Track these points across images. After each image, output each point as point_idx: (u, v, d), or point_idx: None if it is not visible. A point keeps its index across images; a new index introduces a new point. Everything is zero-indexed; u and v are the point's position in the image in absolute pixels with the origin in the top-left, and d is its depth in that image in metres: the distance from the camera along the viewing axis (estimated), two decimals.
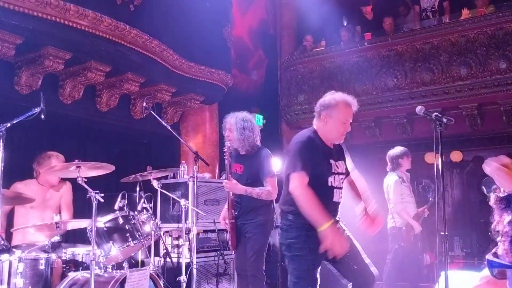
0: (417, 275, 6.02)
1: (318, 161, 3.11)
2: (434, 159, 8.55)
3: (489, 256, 1.36)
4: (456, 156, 8.43)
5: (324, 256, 3.10)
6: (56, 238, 3.88)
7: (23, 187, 4.28)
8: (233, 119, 4.28)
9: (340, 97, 3.27)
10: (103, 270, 3.83)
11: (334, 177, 3.21)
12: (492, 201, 5.20)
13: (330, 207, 3.14)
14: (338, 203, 3.26)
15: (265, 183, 4.11)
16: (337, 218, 3.25)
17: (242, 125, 4.20)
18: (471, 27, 7.48)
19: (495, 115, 7.58)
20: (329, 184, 3.18)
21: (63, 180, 4.55)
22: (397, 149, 5.79)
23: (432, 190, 6.63)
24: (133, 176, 4.45)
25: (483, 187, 8.55)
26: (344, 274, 3.26)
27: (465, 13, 7.82)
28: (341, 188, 3.28)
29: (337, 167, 3.25)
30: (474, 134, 7.95)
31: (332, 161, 3.21)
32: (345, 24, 9.51)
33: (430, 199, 6.31)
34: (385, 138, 8.27)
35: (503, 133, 7.89)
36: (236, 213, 4.19)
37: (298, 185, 3.00)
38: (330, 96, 3.29)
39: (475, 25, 7.46)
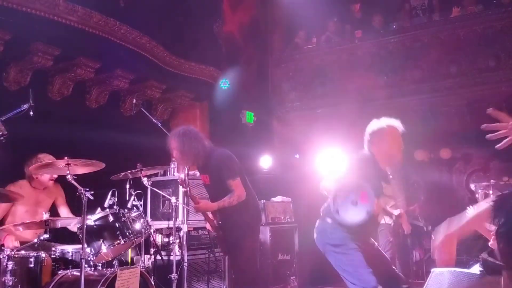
0: (407, 271, 6.07)
1: None
2: (423, 156, 8.64)
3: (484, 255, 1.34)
4: (445, 153, 8.49)
5: None
6: (45, 236, 3.85)
7: (17, 189, 4.22)
8: (172, 140, 4.06)
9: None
10: (93, 268, 3.80)
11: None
12: (481, 198, 5.25)
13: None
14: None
15: (230, 188, 3.93)
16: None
17: (182, 140, 3.98)
18: (461, 25, 7.52)
19: (484, 113, 7.63)
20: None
21: (55, 183, 4.52)
22: None
23: (422, 188, 6.69)
24: (123, 173, 4.42)
25: (472, 184, 8.63)
26: None
27: (455, 11, 7.86)
28: None
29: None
30: (463, 131, 8.00)
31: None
32: (335, 20, 9.51)
33: (421, 198, 6.36)
34: None
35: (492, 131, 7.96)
36: (220, 222, 4.10)
37: None
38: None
39: (464, 23, 7.50)
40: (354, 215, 3.10)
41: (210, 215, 4.12)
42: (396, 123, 3.55)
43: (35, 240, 3.84)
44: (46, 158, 4.29)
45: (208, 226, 4.25)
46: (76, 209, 4.37)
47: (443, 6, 8.35)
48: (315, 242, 3.49)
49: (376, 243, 3.51)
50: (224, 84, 7.11)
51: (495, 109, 1.90)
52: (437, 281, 3.81)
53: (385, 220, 5.66)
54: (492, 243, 1.96)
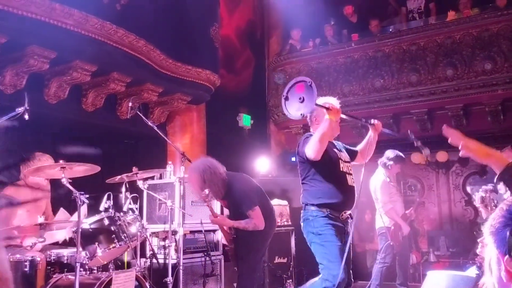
0: (406, 274, 6.07)
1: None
2: (419, 159, 8.67)
3: None
4: (441, 156, 8.50)
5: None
6: (41, 240, 3.84)
7: (15, 191, 4.22)
8: (192, 177, 4.04)
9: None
10: (88, 272, 3.79)
11: (342, 164, 3.61)
12: (477, 201, 5.25)
13: (348, 191, 3.56)
14: (353, 187, 3.64)
15: (249, 217, 3.94)
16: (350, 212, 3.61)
17: (202, 177, 3.95)
18: (457, 29, 7.55)
19: (480, 116, 7.66)
20: (341, 169, 3.59)
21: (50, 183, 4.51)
22: (394, 153, 5.81)
23: (418, 191, 6.71)
24: (119, 176, 4.41)
25: (468, 187, 8.64)
26: None
27: (451, 14, 7.89)
28: (351, 174, 3.69)
29: (341, 155, 3.68)
30: None
31: (335, 150, 3.67)
32: (332, 23, 9.55)
33: (417, 199, 6.36)
34: None
35: (488, 134, 7.96)
36: (234, 235, 4.14)
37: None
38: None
39: (461, 27, 7.53)
40: (305, 106, 3.36)
41: (226, 228, 4.19)
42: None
43: (30, 244, 3.83)
44: (43, 157, 4.27)
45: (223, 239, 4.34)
46: (72, 212, 4.36)
47: (439, 9, 8.39)
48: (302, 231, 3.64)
49: (350, 235, 3.60)
50: None
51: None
52: (434, 283, 3.80)
53: (385, 223, 5.67)
54: (480, 250, 1.98)
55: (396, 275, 5.92)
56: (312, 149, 3.40)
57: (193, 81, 6.45)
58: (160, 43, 5.74)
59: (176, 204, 4.92)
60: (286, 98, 3.46)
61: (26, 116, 3.53)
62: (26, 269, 3.60)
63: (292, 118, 3.54)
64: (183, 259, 4.76)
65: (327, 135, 3.42)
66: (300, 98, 3.38)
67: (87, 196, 3.48)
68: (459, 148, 2.16)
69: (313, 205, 3.51)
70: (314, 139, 3.41)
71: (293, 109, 3.43)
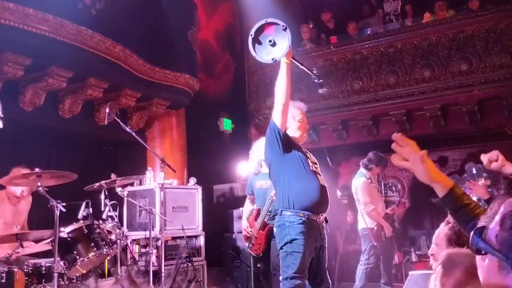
0: (391, 274, 6.10)
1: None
2: (400, 159, 8.71)
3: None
4: None
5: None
6: (19, 250, 3.76)
7: None
8: None
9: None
10: (67, 282, 3.72)
11: (311, 164, 3.52)
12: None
13: (321, 190, 3.46)
14: (325, 187, 3.53)
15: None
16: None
17: None
18: (433, 30, 7.64)
19: (457, 116, 7.76)
20: (311, 169, 3.48)
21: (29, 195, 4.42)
22: (376, 155, 5.85)
23: (398, 190, 6.76)
24: (98, 184, 4.34)
25: None
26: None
27: (427, 16, 7.99)
28: (320, 174, 3.59)
29: (308, 156, 3.60)
30: (438, 134, 8.11)
31: (303, 151, 3.58)
32: (311, 26, 9.58)
33: (397, 198, 6.43)
34: (352, 141, 8.36)
35: (466, 133, 8.08)
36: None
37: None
38: None
39: (436, 28, 7.63)
40: (277, 51, 3.23)
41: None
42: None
43: (7, 255, 3.74)
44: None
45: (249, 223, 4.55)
46: (50, 222, 4.28)
47: (416, 11, 8.49)
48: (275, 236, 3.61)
49: (325, 239, 3.62)
50: None
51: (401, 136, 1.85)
52: (415, 283, 3.82)
53: (367, 224, 5.70)
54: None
55: (379, 275, 5.94)
56: (280, 99, 3.28)
57: (172, 85, 6.39)
58: (137, 48, 5.68)
59: (156, 211, 4.87)
60: (254, 39, 3.29)
61: (1, 124, 3.46)
62: (3, 281, 3.51)
63: (262, 62, 3.39)
64: (165, 265, 4.71)
65: (289, 80, 3.31)
66: (270, 41, 3.24)
67: (64, 204, 3.41)
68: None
69: (289, 209, 3.40)
70: (278, 86, 3.30)
71: (263, 52, 3.30)
